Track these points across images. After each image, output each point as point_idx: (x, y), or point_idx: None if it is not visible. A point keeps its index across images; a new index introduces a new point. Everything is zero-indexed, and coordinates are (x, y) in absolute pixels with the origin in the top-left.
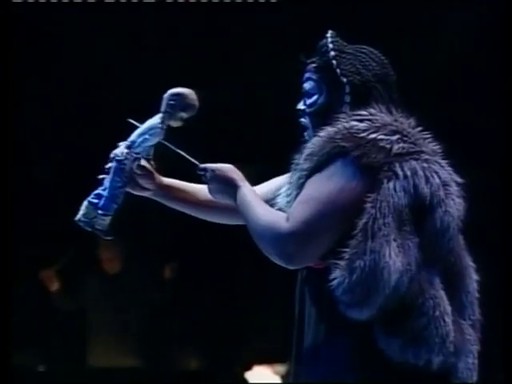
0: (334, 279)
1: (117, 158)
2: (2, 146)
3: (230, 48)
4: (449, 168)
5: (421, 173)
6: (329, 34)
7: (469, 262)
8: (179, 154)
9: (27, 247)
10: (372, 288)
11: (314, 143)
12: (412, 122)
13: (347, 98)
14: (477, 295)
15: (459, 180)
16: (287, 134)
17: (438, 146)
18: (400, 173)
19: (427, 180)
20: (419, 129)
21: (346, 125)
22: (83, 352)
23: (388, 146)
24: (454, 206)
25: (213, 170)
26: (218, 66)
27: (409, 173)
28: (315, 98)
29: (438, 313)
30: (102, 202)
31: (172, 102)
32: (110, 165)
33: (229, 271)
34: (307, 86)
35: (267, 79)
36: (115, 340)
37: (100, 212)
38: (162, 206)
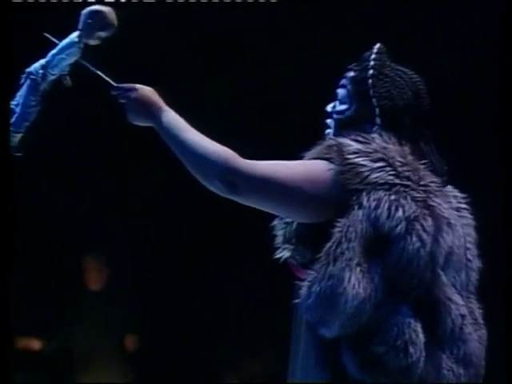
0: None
1: (31, 76)
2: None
3: (230, 48)
4: (440, 201)
5: (384, 205)
6: (375, 49)
7: (449, 297)
8: (96, 73)
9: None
10: (329, 312)
11: (315, 147)
12: (406, 149)
13: (378, 120)
14: (461, 330)
15: (446, 214)
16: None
17: (437, 178)
18: (365, 203)
19: (389, 214)
20: (411, 158)
21: (343, 141)
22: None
23: (366, 174)
24: (418, 242)
25: (131, 90)
26: (218, 66)
27: (373, 204)
28: (344, 107)
29: (399, 342)
30: (13, 118)
31: (90, 21)
32: (23, 82)
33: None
34: (340, 92)
35: (269, 78)
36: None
37: (11, 129)
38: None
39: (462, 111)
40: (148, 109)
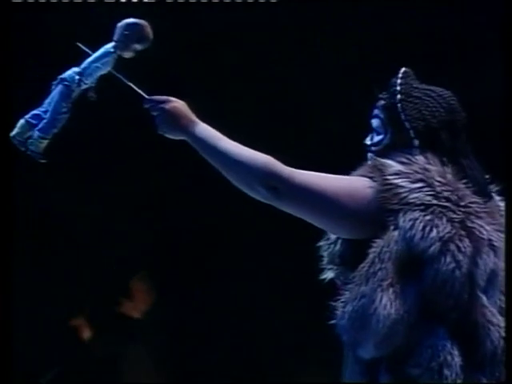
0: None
1: (66, 82)
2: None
3: (230, 48)
4: (482, 222)
5: (419, 226)
6: (400, 74)
7: (489, 319)
8: (128, 85)
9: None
10: (362, 333)
11: (361, 166)
12: (447, 169)
13: (415, 142)
14: (500, 354)
15: (482, 235)
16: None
17: (480, 197)
18: (401, 224)
19: (423, 234)
20: (451, 177)
21: (386, 162)
22: None
23: (404, 195)
24: (452, 263)
25: (164, 102)
26: (217, 66)
27: (408, 224)
28: (380, 137)
29: (434, 364)
30: (41, 124)
31: (127, 33)
32: (56, 88)
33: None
34: (374, 123)
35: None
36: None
37: (38, 134)
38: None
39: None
40: (181, 122)
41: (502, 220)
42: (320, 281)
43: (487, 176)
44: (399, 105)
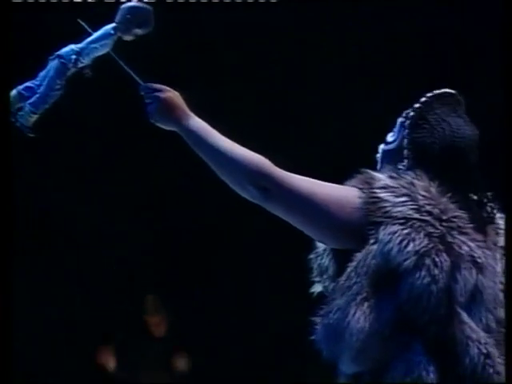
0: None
1: (62, 60)
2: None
3: (230, 48)
4: (465, 238)
5: (396, 239)
6: (432, 93)
7: (468, 335)
8: (125, 69)
9: None
10: (337, 346)
11: (356, 175)
12: (433, 183)
13: (405, 161)
14: (483, 370)
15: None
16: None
17: (466, 212)
18: (380, 237)
19: (399, 248)
20: (435, 191)
21: (376, 175)
22: None
23: (388, 208)
24: (427, 277)
25: (159, 90)
26: (217, 66)
27: (387, 238)
28: (391, 139)
29: (408, 380)
30: (34, 98)
31: (129, 16)
32: (51, 63)
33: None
34: (397, 122)
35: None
36: None
37: (30, 108)
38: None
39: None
40: (174, 112)
41: (498, 239)
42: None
43: (490, 193)
44: (408, 121)
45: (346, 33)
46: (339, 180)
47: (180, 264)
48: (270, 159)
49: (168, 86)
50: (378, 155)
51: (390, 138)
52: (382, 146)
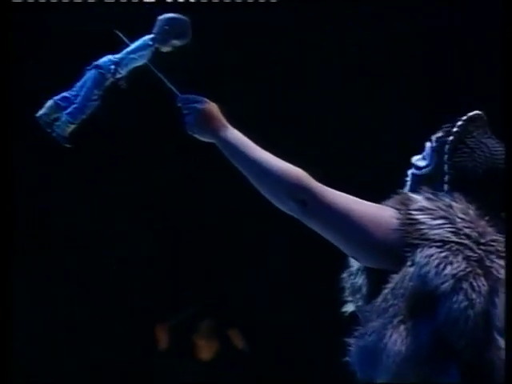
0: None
1: (101, 70)
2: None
3: (229, 48)
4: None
5: (433, 262)
6: (466, 116)
7: (500, 359)
8: (161, 79)
9: None
10: (373, 369)
11: (393, 195)
12: (471, 206)
13: (445, 187)
14: None
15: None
16: None
17: (501, 236)
18: (417, 259)
19: (437, 271)
20: (474, 214)
21: (413, 196)
22: None
23: (425, 231)
24: (465, 301)
25: (197, 102)
26: (217, 66)
27: (424, 261)
28: (424, 164)
29: None
30: (71, 108)
31: (167, 28)
32: (88, 73)
33: None
34: (426, 147)
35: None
36: None
37: (67, 118)
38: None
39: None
40: (212, 124)
41: None
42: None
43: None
44: (447, 146)
45: (345, 33)
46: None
47: (180, 264)
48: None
49: (206, 96)
50: (408, 179)
51: (420, 162)
52: (412, 171)
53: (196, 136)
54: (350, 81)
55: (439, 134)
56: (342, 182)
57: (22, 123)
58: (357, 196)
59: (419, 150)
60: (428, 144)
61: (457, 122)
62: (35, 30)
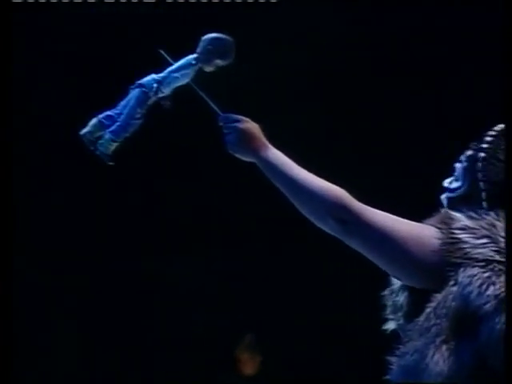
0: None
1: (144, 89)
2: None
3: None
4: None
5: (476, 282)
6: (493, 131)
7: None
8: (203, 98)
9: None
10: None
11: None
12: None
13: (484, 204)
14: None
15: None
16: None
17: None
18: (460, 279)
19: (479, 291)
20: None
21: (455, 215)
22: None
23: (468, 250)
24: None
25: (238, 121)
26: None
27: (467, 281)
28: (457, 185)
29: None
30: (114, 127)
31: (210, 47)
32: (132, 92)
33: None
34: (457, 168)
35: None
36: None
37: (110, 136)
38: None
39: (467, 111)
40: (252, 143)
41: None
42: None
43: None
44: (480, 164)
45: (346, 32)
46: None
47: (180, 264)
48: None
49: (247, 116)
50: (443, 200)
51: (453, 184)
52: (446, 195)
53: (237, 155)
54: (349, 81)
55: (469, 153)
56: (378, 204)
57: (22, 123)
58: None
59: (441, 175)
60: (458, 165)
61: (484, 137)
62: (35, 30)
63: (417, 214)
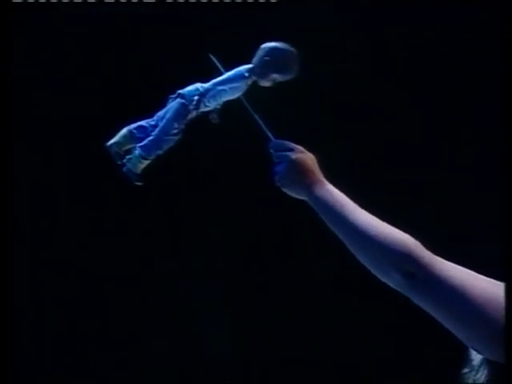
0: None
1: (183, 100)
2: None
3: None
4: None
5: None
6: None
7: None
8: (255, 118)
9: None
10: None
11: None
12: None
13: None
14: None
15: None
16: None
17: None
18: None
19: None
20: None
21: None
22: None
23: None
24: None
25: (292, 150)
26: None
27: None
28: None
29: None
30: (146, 141)
31: (267, 58)
32: (172, 102)
33: None
34: None
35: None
36: None
37: (140, 153)
38: None
39: (466, 111)
40: (306, 178)
41: None
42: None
43: None
44: None
45: (346, 32)
46: None
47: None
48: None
49: (302, 145)
50: None
51: None
52: None
53: (284, 190)
54: (349, 81)
55: None
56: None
57: (22, 123)
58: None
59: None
60: None
61: None
62: (35, 30)
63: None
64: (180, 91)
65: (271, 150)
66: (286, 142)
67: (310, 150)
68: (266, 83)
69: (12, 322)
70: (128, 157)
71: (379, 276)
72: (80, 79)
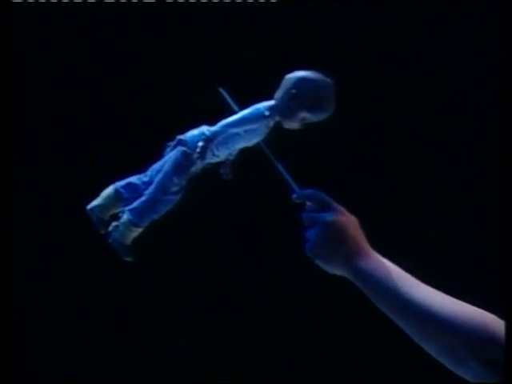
0: None
1: (185, 148)
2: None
3: (229, 48)
4: None
5: None
6: None
7: None
8: (277, 168)
9: None
10: None
11: None
12: None
13: None
14: None
15: None
16: None
17: None
18: None
19: None
20: None
21: None
22: None
23: None
24: None
25: (325, 210)
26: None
27: None
28: None
29: None
30: (137, 203)
31: (294, 91)
32: (170, 152)
33: None
34: None
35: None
36: None
37: (129, 218)
38: None
39: (465, 111)
40: (345, 247)
41: None
42: None
43: None
44: None
45: (346, 33)
46: None
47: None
48: None
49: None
50: None
51: None
52: None
53: (317, 262)
54: (349, 81)
55: None
56: None
57: (22, 123)
58: None
59: None
60: None
61: None
62: (35, 29)
63: None
64: (180, 137)
65: (299, 202)
66: (321, 195)
67: (350, 210)
68: (292, 124)
69: (12, 322)
70: (114, 224)
71: (450, 365)
72: (80, 79)
